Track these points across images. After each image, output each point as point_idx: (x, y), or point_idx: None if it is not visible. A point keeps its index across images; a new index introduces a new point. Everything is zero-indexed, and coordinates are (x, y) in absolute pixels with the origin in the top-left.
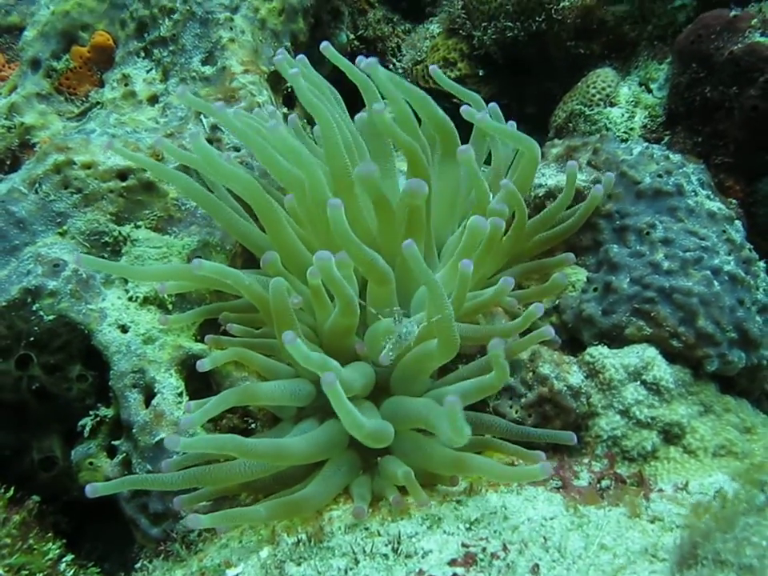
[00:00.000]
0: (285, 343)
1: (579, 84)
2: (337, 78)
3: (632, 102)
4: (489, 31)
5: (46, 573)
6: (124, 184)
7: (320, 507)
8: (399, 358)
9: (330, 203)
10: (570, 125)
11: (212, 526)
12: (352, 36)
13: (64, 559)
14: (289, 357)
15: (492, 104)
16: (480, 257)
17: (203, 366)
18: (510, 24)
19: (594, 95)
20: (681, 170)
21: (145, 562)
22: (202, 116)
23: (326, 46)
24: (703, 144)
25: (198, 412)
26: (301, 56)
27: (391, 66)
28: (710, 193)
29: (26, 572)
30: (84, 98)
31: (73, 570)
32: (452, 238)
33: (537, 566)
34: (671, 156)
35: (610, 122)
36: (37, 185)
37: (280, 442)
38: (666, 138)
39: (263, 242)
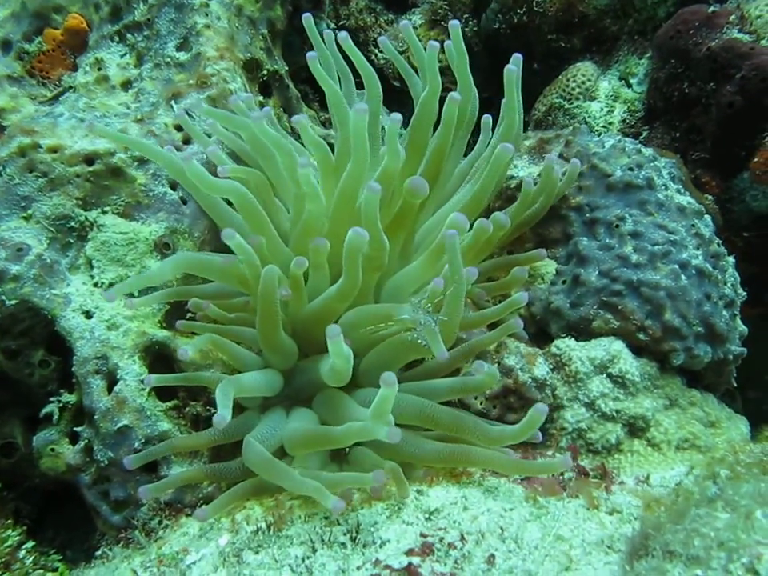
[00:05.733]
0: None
1: (559, 77)
2: None
3: (611, 96)
4: (470, 23)
5: (4, 560)
6: (91, 169)
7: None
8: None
9: (370, 186)
10: (550, 118)
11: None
12: (333, 25)
13: (24, 546)
14: (263, 346)
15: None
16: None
17: (186, 353)
18: (491, 16)
19: (573, 89)
20: (652, 164)
21: (105, 550)
22: (172, 102)
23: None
24: (681, 139)
25: (223, 409)
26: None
27: (373, 56)
28: (680, 187)
29: None
30: (57, 82)
31: (33, 557)
32: (426, 225)
33: (492, 556)
34: (643, 150)
35: (589, 116)
36: (1, 167)
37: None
38: (645, 133)
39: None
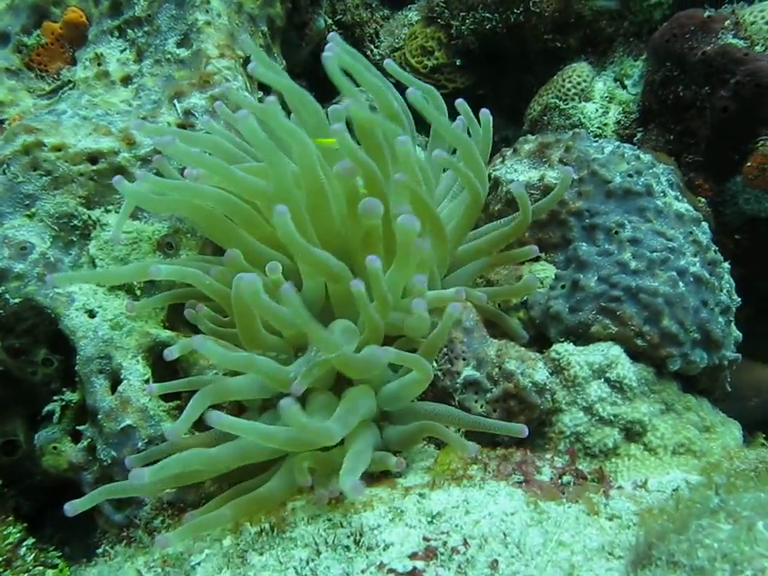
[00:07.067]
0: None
1: (555, 77)
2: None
3: (606, 97)
4: (467, 21)
5: (5, 557)
6: (95, 167)
7: (285, 499)
8: None
9: (276, 210)
10: (545, 118)
11: (181, 542)
12: (330, 21)
13: (25, 543)
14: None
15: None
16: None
17: (171, 353)
18: (488, 15)
19: (569, 89)
20: (651, 171)
21: (107, 548)
22: (175, 100)
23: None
24: (675, 142)
25: (181, 421)
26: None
27: (369, 52)
28: (678, 194)
29: None
30: (55, 76)
31: (33, 554)
32: None
33: (496, 561)
34: (642, 156)
35: (585, 117)
36: (5, 166)
37: (242, 446)
38: (639, 135)
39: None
